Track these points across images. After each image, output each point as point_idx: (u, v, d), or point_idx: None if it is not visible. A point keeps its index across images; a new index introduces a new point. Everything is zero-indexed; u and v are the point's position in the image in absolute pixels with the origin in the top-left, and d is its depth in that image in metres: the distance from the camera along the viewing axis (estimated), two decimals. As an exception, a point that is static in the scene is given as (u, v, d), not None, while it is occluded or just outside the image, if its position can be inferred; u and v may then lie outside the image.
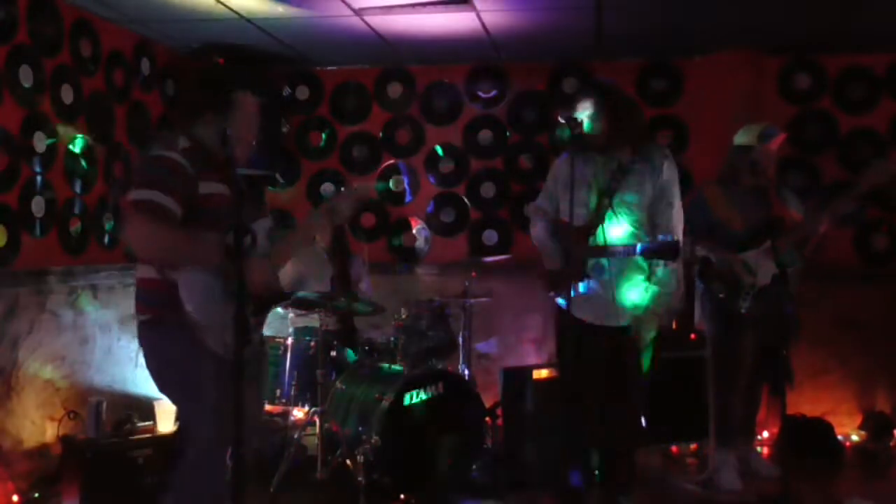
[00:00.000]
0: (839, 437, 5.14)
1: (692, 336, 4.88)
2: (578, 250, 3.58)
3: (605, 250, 3.59)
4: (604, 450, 3.87)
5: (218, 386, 2.69)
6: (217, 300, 2.71)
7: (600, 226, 3.58)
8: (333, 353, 4.77)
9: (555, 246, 3.78)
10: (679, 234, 3.64)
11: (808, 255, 4.41)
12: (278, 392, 4.72)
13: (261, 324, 3.02)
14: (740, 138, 4.44)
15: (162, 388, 2.92)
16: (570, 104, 3.70)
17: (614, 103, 3.64)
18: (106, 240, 4.92)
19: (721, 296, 4.33)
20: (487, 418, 4.66)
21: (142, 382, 4.87)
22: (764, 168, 4.36)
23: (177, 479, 2.89)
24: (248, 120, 2.97)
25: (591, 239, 3.59)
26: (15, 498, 4.00)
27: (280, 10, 4.74)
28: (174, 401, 2.99)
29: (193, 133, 2.89)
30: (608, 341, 3.64)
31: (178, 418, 2.99)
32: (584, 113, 3.61)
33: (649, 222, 3.66)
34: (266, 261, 2.90)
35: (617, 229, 3.63)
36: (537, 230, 3.92)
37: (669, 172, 3.66)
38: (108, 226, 4.91)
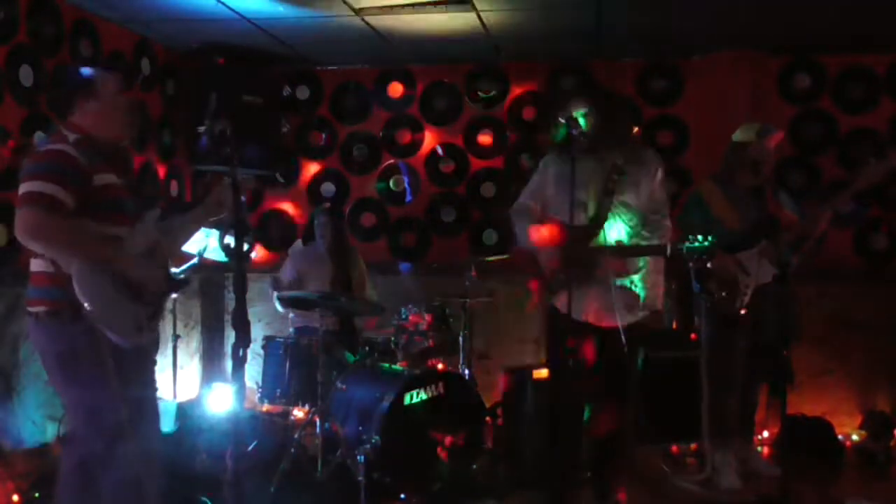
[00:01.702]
0: (839, 436, 5.14)
1: (692, 336, 4.88)
2: (593, 250, 3.56)
3: (629, 249, 3.58)
4: (599, 448, 3.85)
5: (116, 378, 2.75)
6: (110, 292, 2.74)
7: (603, 227, 3.57)
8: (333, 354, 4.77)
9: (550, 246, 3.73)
10: (668, 236, 3.66)
11: (806, 254, 4.41)
12: (278, 392, 4.72)
13: (155, 316, 3.00)
14: (738, 135, 4.45)
15: (55, 381, 2.89)
16: (565, 103, 3.68)
17: (607, 103, 3.64)
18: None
19: (721, 294, 4.32)
20: (487, 418, 4.65)
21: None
22: (761, 166, 4.36)
23: (66, 478, 2.89)
24: (114, 100, 2.97)
25: (593, 240, 3.58)
26: (15, 497, 4.00)
27: (280, 10, 4.74)
28: (67, 394, 2.92)
29: (75, 125, 2.90)
30: (607, 341, 3.63)
31: (68, 413, 2.97)
32: (579, 112, 3.59)
33: (642, 224, 3.66)
34: (152, 252, 2.92)
35: (613, 230, 3.63)
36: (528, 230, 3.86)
37: (661, 175, 3.69)
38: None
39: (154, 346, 3.09)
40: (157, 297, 2.94)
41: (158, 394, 3.17)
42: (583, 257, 3.58)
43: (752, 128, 4.41)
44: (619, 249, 3.60)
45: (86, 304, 2.70)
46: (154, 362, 3.12)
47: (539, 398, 4.50)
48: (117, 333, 2.75)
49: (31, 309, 2.86)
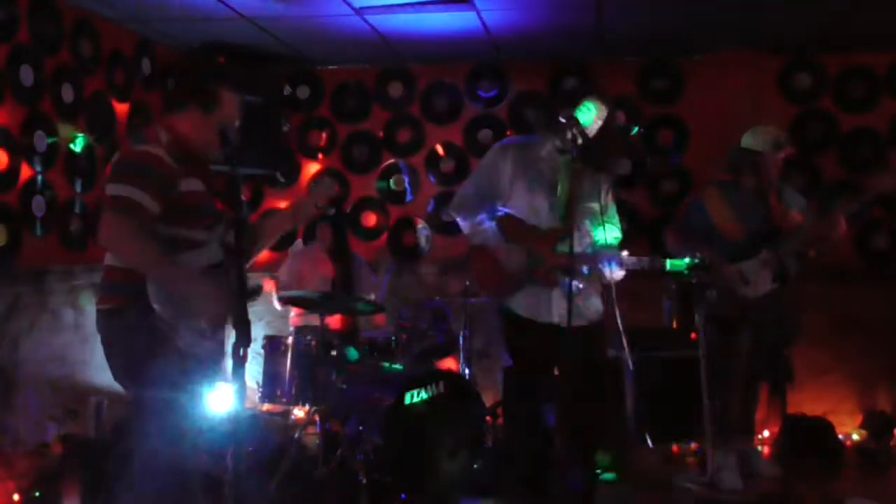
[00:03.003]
0: (839, 436, 5.14)
1: (692, 336, 4.87)
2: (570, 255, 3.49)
3: (600, 256, 3.55)
4: (593, 449, 3.82)
5: (181, 380, 2.75)
6: (181, 299, 2.71)
7: (573, 230, 3.38)
8: (334, 353, 4.77)
9: (517, 248, 3.57)
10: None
11: (815, 257, 4.38)
12: (279, 392, 4.72)
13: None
14: (749, 141, 4.36)
15: (122, 378, 2.88)
16: (573, 102, 3.58)
17: (612, 111, 3.57)
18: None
19: (721, 303, 4.29)
20: (487, 418, 4.65)
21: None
22: (767, 171, 4.32)
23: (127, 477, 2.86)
24: (231, 118, 2.96)
25: (561, 244, 3.43)
26: (16, 497, 4.00)
27: (280, 9, 4.74)
28: (134, 392, 2.90)
29: (173, 126, 2.86)
30: (578, 341, 3.54)
31: (132, 411, 2.96)
32: (588, 113, 3.51)
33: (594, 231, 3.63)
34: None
35: (584, 235, 3.56)
36: (485, 230, 3.65)
37: (609, 185, 3.64)
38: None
39: (220, 354, 3.03)
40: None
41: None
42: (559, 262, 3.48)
43: (766, 139, 4.31)
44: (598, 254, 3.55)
45: (157, 308, 2.67)
46: (222, 362, 3.06)
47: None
48: (186, 339, 2.73)
49: (99, 304, 2.83)
